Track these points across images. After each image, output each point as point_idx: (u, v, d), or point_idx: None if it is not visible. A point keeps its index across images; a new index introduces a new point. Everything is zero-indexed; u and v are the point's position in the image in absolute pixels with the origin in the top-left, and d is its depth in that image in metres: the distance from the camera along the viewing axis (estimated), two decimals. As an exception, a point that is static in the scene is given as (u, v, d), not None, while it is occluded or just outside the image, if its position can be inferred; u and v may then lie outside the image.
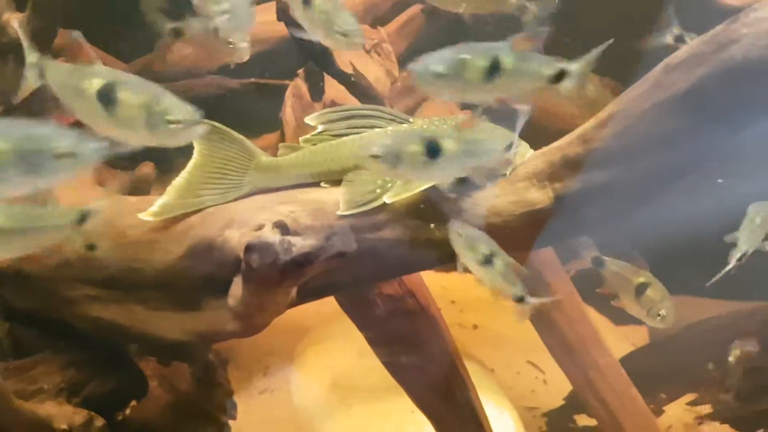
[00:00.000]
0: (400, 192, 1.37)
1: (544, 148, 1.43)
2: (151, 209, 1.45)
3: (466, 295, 2.85)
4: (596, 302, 2.83)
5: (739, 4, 2.50)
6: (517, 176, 1.41)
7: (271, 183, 1.46)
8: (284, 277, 1.12)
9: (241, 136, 1.49)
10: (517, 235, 1.40)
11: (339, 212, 1.38)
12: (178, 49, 2.34)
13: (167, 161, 2.14)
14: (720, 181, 1.84)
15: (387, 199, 1.37)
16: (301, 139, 1.51)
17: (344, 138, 1.46)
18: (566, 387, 2.28)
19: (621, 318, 2.92)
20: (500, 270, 1.30)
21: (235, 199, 1.45)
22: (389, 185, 1.39)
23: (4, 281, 1.52)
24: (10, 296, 1.56)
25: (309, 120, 1.51)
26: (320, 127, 1.49)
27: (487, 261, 1.30)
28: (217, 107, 2.35)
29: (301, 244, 1.07)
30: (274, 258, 1.08)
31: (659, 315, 1.66)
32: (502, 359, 2.62)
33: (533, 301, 1.33)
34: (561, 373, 2.21)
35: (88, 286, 1.51)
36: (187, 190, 1.46)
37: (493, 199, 1.40)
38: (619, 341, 2.72)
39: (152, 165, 2.16)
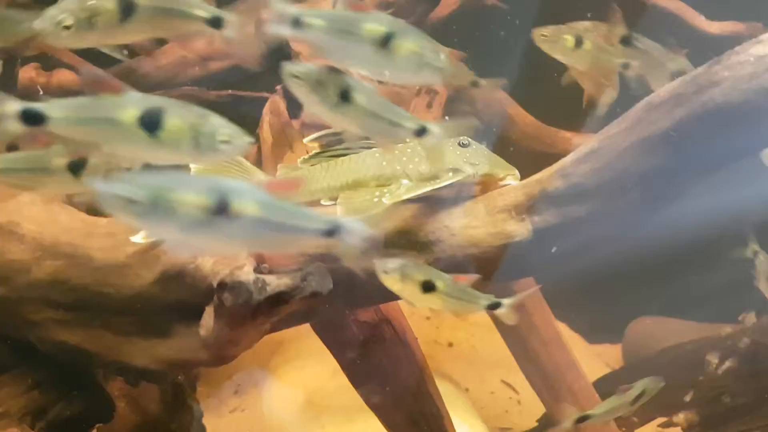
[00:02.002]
0: (399, 194, 1.37)
1: (524, 181, 1.42)
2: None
3: (442, 311, 2.84)
4: (569, 320, 2.84)
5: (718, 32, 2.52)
6: (495, 208, 1.40)
7: None
8: (257, 315, 1.10)
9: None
10: (494, 266, 1.39)
11: None
12: (154, 60, 2.29)
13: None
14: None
15: (386, 200, 1.36)
16: (299, 160, 1.51)
17: (342, 157, 1.47)
18: (540, 407, 2.28)
19: (594, 336, 2.93)
20: (448, 291, 1.22)
21: None
22: (387, 195, 1.38)
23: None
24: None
25: (308, 140, 1.51)
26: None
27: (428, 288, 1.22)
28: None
29: (275, 283, 1.05)
30: (248, 297, 1.05)
31: None
32: (477, 378, 2.61)
33: (509, 301, 1.30)
34: (535, 393, 2.20)
35: (54, 309, 1.47)
36: None
37: (471, 230, 1.39)
38: (592, 360, 2.73)
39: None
